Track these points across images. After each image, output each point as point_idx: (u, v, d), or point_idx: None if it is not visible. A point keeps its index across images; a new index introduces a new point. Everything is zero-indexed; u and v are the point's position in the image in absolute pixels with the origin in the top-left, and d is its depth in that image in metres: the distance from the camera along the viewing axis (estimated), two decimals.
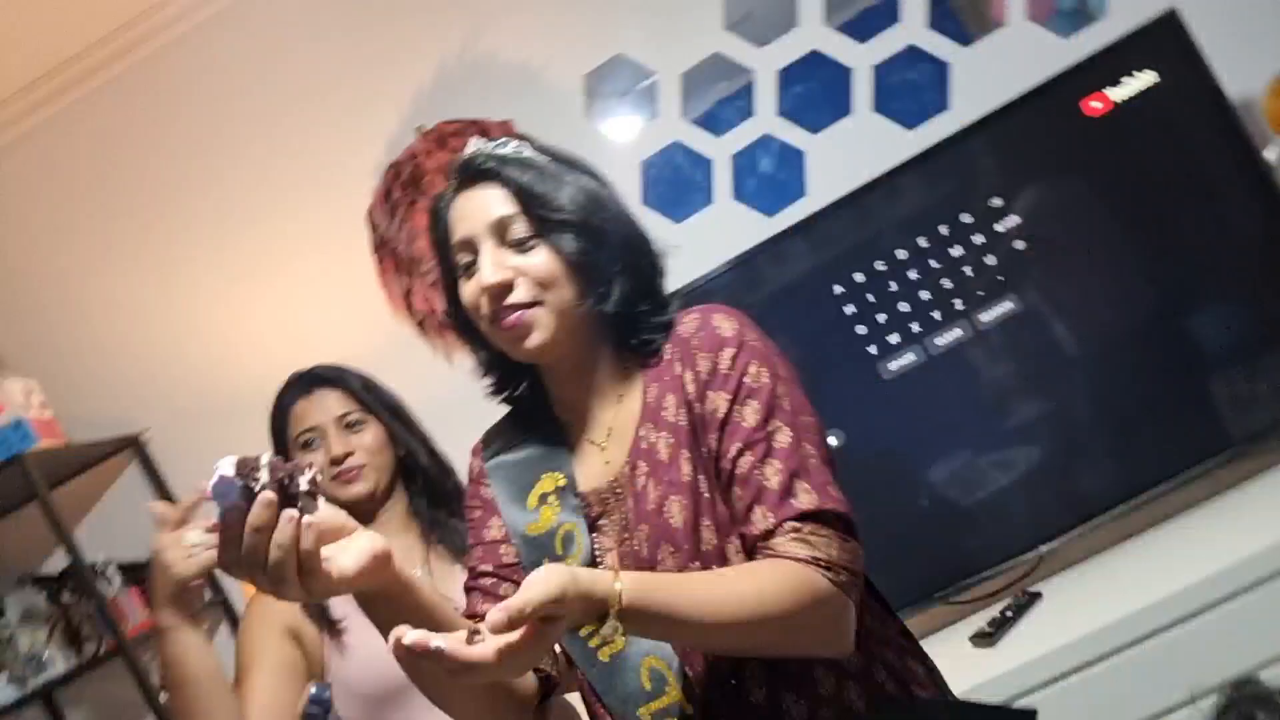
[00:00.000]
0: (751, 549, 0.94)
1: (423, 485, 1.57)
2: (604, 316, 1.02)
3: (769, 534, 0.92)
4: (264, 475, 0.75)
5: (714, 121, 2.20)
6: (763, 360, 0.99)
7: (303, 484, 0.77)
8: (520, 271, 0.99)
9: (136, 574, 2.24)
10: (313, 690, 1.21)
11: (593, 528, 1.03)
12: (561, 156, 1.07)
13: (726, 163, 2.17)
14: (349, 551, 0.82)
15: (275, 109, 2.33)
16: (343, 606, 1.42)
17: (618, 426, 1.05)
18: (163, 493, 2.34)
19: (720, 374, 0.99)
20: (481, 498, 1.11)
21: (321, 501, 0.79)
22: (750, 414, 0.97)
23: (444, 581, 1.48)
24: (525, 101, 2.21)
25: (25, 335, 2.42)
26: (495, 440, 1.14)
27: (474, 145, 1.06)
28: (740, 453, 0.95)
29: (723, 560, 0.95)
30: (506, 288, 0.99)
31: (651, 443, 1.00)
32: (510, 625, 0.74)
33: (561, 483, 1.05)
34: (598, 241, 1.01)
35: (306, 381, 1.57)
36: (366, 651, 1.40)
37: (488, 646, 0.75)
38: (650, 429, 1.01)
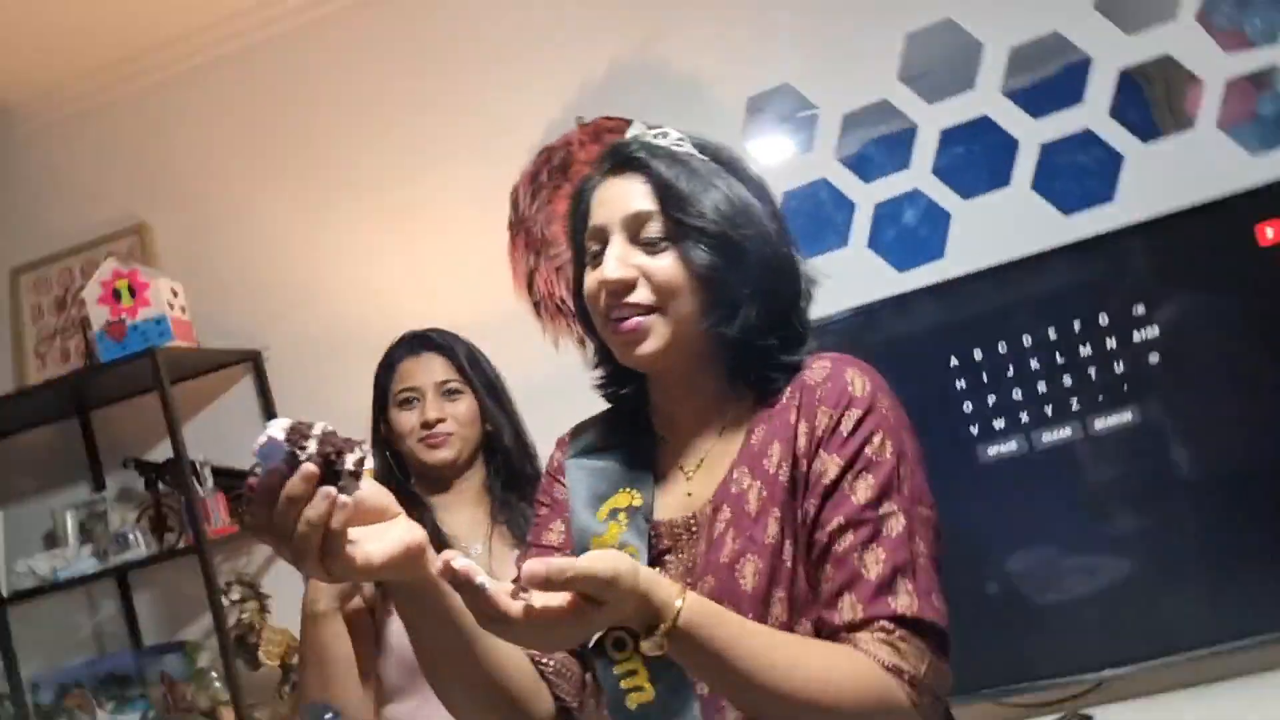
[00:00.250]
0: (829, 638, 0.85)
1: (502, 464, 1.61)
2: (724, 339, 0.94)
3: (854, 627, 0.83)
4: (312, 446, 0.72)
5: (865, 165, 2.16)
6: (891, 433, 0.89)
7: (348, 463, 0.73)
8: (644, 273, 0.93)
9: (229, 480, 2.36)
10: (328, 716, 1.22)
11: (656, 561, 0.95)
12: (724, 157, 0.99)
13: (869, 209, 2.14)
14: (383, 539, 0.77)
15: (451, 73, 2.41)
16: None
17: (711, 459, 0.97)
18: (269, 409, 2.46)
19: (839, 435, 0.88)
20: (553, 496, 1.06)
21: (365, 482, 0.77)
22: (863, 489, 0.86)
23: (501, 563, 1.51)
24: (686, 110, 2.22)
25: (184, 241, 2.57)
26: (584, 435, 1.08)
27: (634, 130, 1.00)
28: (842, 529, 0.86)
29: None
30: (627, 287, 0.93)
31: (743, 489, 0.92)
32: (547, 583, 0.69)
33: (636, 503, 0.97)
34: (733, 258, 0.92)
35: (418, 343, 1.63)
36: None
37: (519, 602, 0.70)
38: (745, 474, 0.92)
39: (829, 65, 2.16)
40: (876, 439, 0.88)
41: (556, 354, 2.25)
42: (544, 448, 1.52)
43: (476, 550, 1.53)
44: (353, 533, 0.74)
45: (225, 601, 2.24)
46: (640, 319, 0.93)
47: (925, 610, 0.83)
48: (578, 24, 2.33)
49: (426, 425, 1.55)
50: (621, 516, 0.97)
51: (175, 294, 2.29)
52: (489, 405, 1.61)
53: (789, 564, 0.88)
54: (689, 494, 0.97)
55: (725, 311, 0.93)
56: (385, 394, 1.62)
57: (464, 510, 1.58)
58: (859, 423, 0.89)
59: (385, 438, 1.63)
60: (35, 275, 2.61)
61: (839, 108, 2.16)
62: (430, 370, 1.59)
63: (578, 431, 1.10)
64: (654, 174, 0.94)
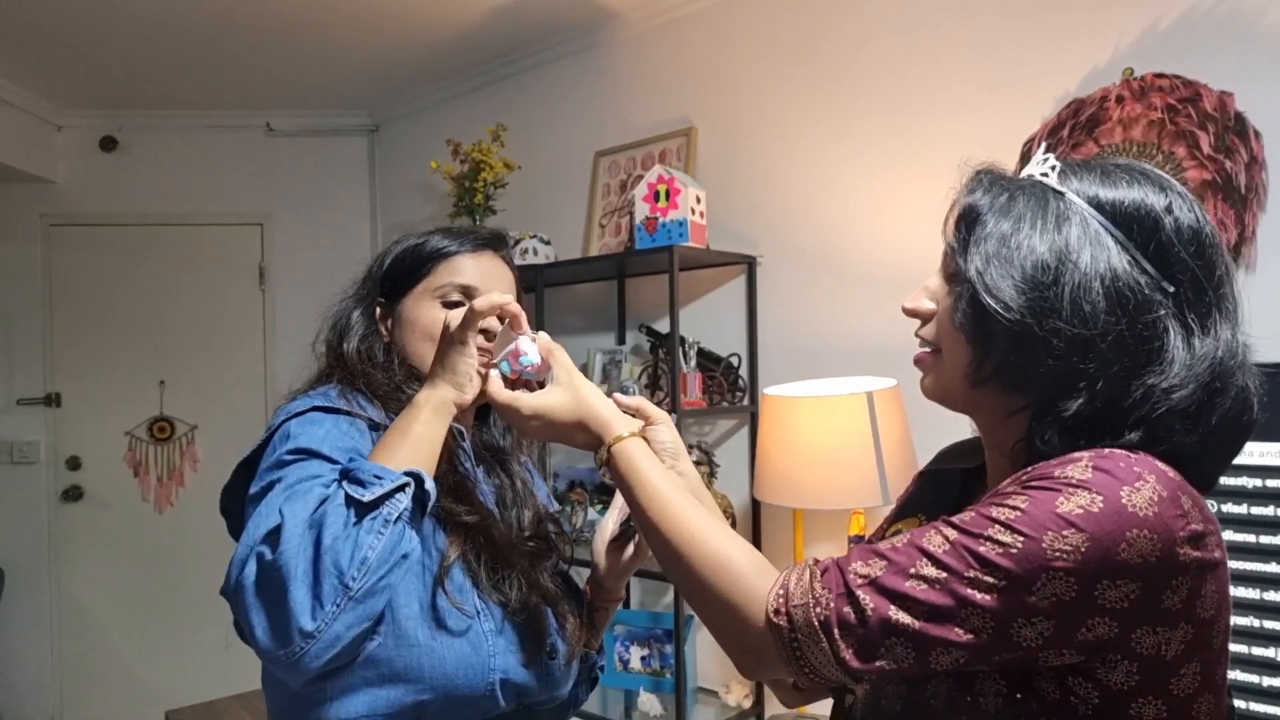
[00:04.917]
0: None
1: None
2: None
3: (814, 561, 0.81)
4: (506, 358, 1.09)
5: None
6: (1051, 524, 0.69)
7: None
8: (936, 304, 0.87)
9: (707, 362, 2.73)
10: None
11: None
12: (1112, 207, 0.79)
13: None
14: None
15: (989, 6, 2.32)
16: None
17: None
18: (753, 308, 2.74)
19: (998, 492, 0.76)
20: (904, 494, 1.06)
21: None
22: (955, 527, 0.75)
23: None
24: (1271, 76, 1.90)
25: (719, 147, 2.86)
26: (953, 446, 1.04)
27: (1039, 155, 0.88)
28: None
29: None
30: (915, 316, 0.89)
31: None
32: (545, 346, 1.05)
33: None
34: (984, 315, 0.79)
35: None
36: None
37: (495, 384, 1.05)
38: None
39: None
40: (1023, 504, 0.72)
41: None
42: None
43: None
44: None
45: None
46: (922, 352, 0.91)
47: (877, 603, 0.73)
48: None
49: None
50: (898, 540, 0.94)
51: (699, 200, 2.63)
52: None
53: None
54: None
55: (979, 375, 0.83)
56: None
57: None
58: (1028, 487, 0.74)
59: None
60: (610, 159, 3.12)
61: None
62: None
63: (957, 443, 1.06)
64: (962, 201, 0.86)
